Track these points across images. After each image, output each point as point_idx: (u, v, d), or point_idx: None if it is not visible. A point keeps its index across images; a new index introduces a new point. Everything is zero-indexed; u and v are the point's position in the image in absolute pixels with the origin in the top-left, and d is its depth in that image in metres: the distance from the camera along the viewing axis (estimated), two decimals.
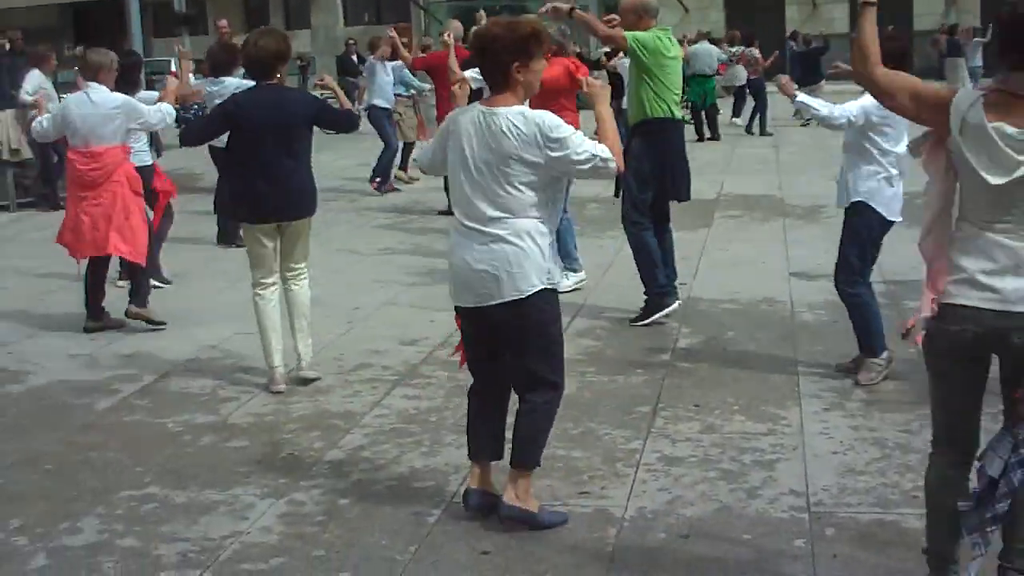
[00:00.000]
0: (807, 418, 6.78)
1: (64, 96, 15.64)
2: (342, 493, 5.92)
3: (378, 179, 17.17)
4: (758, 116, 24.31)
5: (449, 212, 13.81)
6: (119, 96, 9.14)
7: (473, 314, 5.30)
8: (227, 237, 12.70)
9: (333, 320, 9.12)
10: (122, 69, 9.68)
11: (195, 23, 47.86)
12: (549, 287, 5.20)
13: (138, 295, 9.33)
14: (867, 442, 6.36)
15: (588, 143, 5.12)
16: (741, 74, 25.50)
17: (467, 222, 5.21)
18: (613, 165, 5.18)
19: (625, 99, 10.10)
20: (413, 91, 17.98)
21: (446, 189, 14.31)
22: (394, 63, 17.03)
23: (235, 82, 11.59)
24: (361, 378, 7.83)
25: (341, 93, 8.36)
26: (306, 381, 7.71)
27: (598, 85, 5.59)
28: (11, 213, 16.12)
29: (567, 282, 9.54)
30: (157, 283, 10.40)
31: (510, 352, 5.32)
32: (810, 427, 6.63)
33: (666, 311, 8.96)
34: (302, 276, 7.77)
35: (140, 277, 9.36)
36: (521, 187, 5.10)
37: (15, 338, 9.23)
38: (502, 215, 5.12)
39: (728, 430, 6.62)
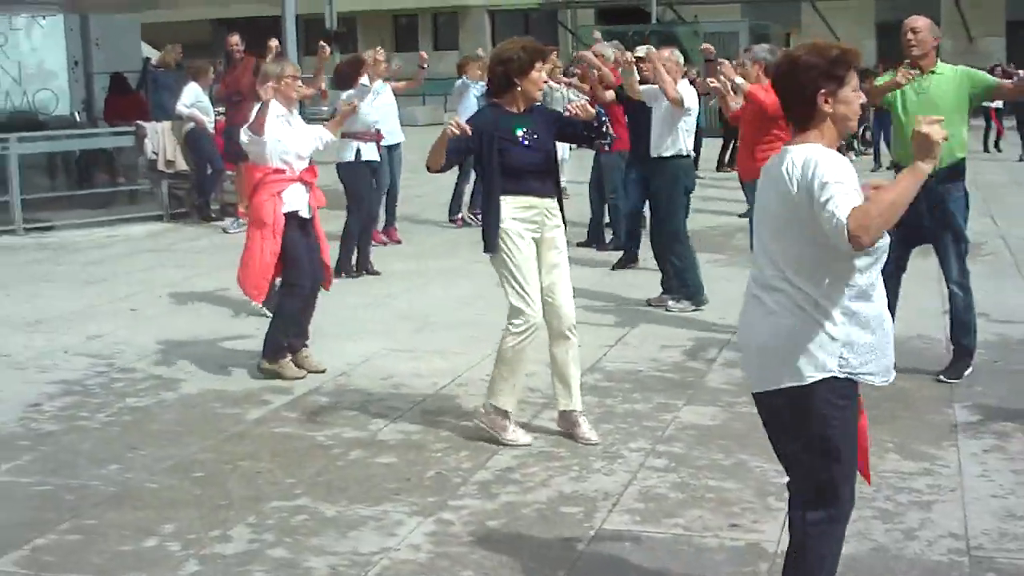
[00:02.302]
0: (965, 459, 6.60)
1: (218, 110, 16.07)
2: (490, 515, 5.90)
3: (460, 215, 16.17)
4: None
5: (620, 266, 13.80)
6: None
7: (756, 400, 4.34)
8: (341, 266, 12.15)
9: (479, 342, 9.12)
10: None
11: (345, 41, 48.59)
12: (837, 375, 4.15)
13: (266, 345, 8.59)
14: None
15: (840, 198, 3.87)
16: None
17: (751, 287, 4.30)
18: (843, 230, 3.81)
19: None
20: None
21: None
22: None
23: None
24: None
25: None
26: None
27: (933, 131, 4.01)
28: (165, 223, 16.44)
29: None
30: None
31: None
32: (969, 469, 6.46)
33: None
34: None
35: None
36: (796, 243, 4.09)
37: (167, 346, 9.39)
38: (777, 279, 4.15)
39: (883, 468, 6.46)
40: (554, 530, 5.70)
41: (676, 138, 10.57)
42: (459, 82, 16.58)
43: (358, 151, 12.13)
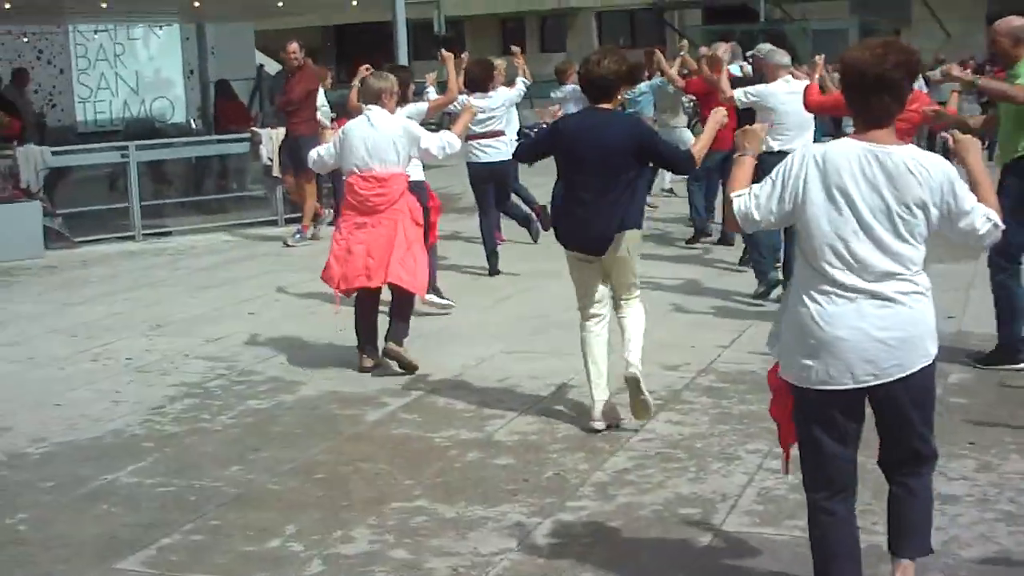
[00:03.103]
0: None
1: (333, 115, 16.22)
2: (609, 516, 5.91)
3: None
4: None
5: (693, 240, 13.93)
6: (400, 119, 8.91)
7: (858, 395, 4.43)
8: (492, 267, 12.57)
9: None
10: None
11: (453, 45, 48.87)
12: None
13: (397, 331, 8.77)
14: None
15: (983, 209, 4.35)
16: None
17: (849, 282, 4.34)
18: (999, 230, 4.38)
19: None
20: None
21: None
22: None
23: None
24: (623, 402, 7.79)
25: None
26: (635, 382, 7.26)
27: (968, 138, 4.63)
28: (280, 228, 16.67)
29: None
30: (444, 301, 10.62)
31: (900, 430, 4.57)
32: None
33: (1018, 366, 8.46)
34: (632, 303, 7.46)
35: (406, 310, 8.89)
36: (918, 239, 4.35)
37: (285, 349, 9.53)
38: (899, 271, 4.34)
39: (1006, 470, 6.37)
40: (672, 531, 5.70)
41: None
42: (570, 88, 16.51)
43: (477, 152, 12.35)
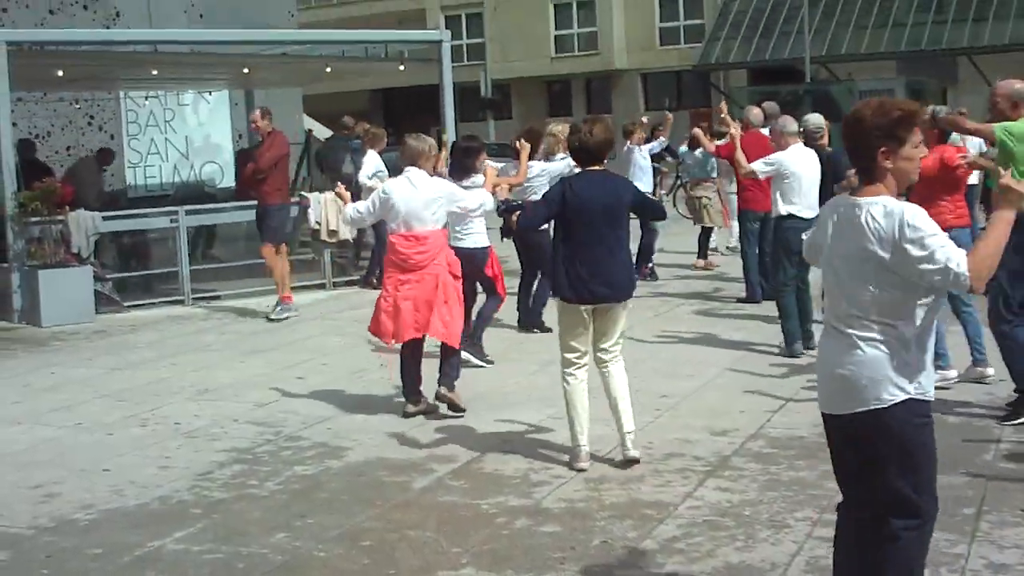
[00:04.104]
0: None
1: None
2: None
3: (649, 265, 16.91)
4: None
5: (747, 300, 14.06)
6: (439, 181, 9.42)
7: (833, 422, 4.71)
8: (527, 323, 12.90)
9: (641, 407, 9.05)
10: (462, 152, 10.56)
11: (499, 108, 49.18)
12: (915, 397, 4.52)
13: (448, 377, 9.33)
14: None
15: (948, 251, 4.34)
16: None
17: (827, 316, 4.73)
18: (965, 281, 4.31)
19: None
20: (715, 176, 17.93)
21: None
22: (651, 145, 17.27)
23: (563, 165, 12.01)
24: (672, 468, 7.77)
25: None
26: (630, 462, 7.81)
27: (1015, 183, 4.49)
28: (328, 291, 16.74)
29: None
30: (480, 363, 10.88)
31: (837, 465, 4.81)
32: None
33: None
34: (617, 358, 7.94)
35: (453, 359, 9.38)
36: (878, 287, 4.48)
37: (333, 414, 9.53)
38: (858, 313, 4.55)
39: None
40: None
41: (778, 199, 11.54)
42: (625, 148, 16.93)
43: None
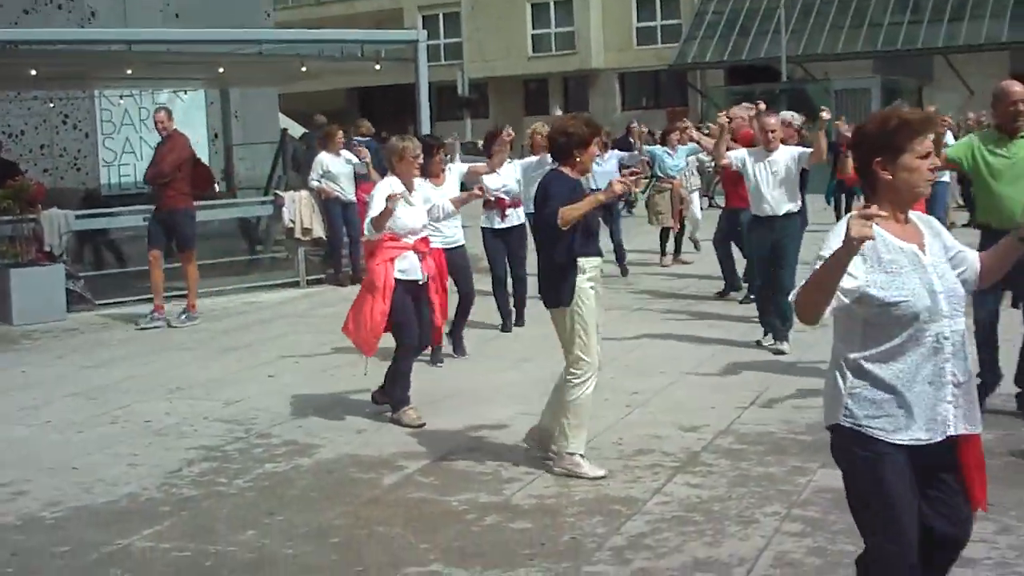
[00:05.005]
0: None
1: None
2: None
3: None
4: None
5: (721, 294, 14.12)
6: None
7: None
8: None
9: (611, 404, 9.09)
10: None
11: (476, 107, 49.18)
12: (846, 424, 4.27)
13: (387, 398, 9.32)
14: None
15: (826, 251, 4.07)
16: None
17: None
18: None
19: None
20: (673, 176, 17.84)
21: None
22: (612, 153, 17.26)
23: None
24: (641, 464, 7.77)
25: None
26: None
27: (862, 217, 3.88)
28: (302, 290, 16.72)
29: None
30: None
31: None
32: None
33: None
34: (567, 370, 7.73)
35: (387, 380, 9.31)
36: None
37: (304, 412, 9.51)
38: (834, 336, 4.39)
39: None
40: None
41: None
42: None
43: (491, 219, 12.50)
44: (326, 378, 10.73)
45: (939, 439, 4.23)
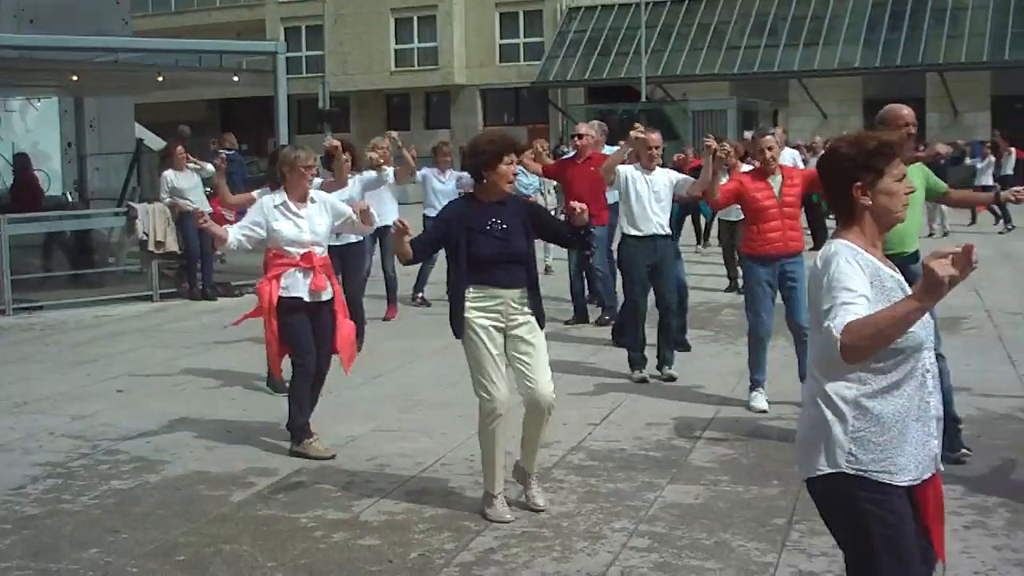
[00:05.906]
0: (947, 536, 6.56)
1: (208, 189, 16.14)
2: None
3: (420, 294, 16.17)
4: None
5: (572, 321, 14.09)
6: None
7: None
8: None
9: (463, 420, 9.09)
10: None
11: (338, 120, 48.94)
12: (851, 472, 3.97)
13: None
14: (1010, 563, 6.16)
15: (841, 306, 3.79)
16: None
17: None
18: (836, 343, 3.72)
19: None
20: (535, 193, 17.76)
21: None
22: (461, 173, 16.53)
23: None
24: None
25: None
26: None
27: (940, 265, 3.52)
28: (154, 303, 16.48)
29: None
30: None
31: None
32: (951, 545, 6.40)
33: None
34: None
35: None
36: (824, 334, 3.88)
37: (153, 427, 9.37)
38: (813, 370, 4.12)
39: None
40: None
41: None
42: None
43: None
44: (177, 393, 10.59)
45: (926, 477, 4.04)
